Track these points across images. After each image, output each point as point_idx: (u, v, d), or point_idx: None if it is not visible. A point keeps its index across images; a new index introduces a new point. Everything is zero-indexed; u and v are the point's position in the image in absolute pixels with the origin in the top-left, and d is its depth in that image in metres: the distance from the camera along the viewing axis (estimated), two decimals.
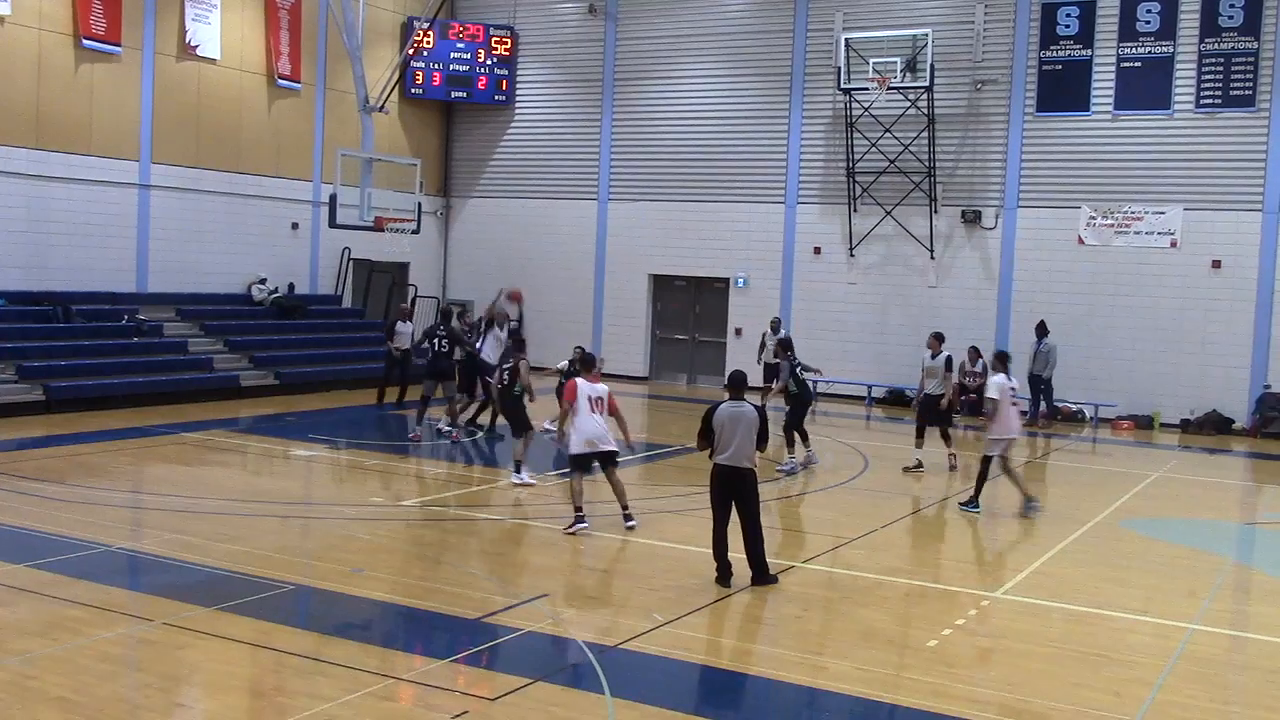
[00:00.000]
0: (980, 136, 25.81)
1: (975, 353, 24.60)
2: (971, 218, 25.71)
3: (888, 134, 26.05)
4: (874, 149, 26.23)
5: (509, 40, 30.46)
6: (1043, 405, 23.67)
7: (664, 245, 29.09)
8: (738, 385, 10.91)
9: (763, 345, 23.53)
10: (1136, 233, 24.32)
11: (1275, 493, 18.31)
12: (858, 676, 8.26)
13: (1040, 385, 23.56)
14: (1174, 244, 24.02)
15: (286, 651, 8.29)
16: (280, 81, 26.59)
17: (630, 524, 12.50)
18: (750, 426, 10.49)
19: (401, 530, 12.52)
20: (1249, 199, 23.41)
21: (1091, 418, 24.39)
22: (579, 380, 12.76)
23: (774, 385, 17.81)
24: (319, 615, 9.47)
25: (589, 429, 12.52)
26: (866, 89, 25.69)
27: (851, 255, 26.96)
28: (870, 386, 26.51)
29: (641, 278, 29.46)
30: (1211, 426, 23.35)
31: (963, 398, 24.63)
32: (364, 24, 24.22)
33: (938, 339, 18.18)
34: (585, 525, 12.34)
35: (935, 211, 25.98)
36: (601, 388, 12.73)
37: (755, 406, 10.67)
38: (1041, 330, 23.70)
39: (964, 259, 26.00)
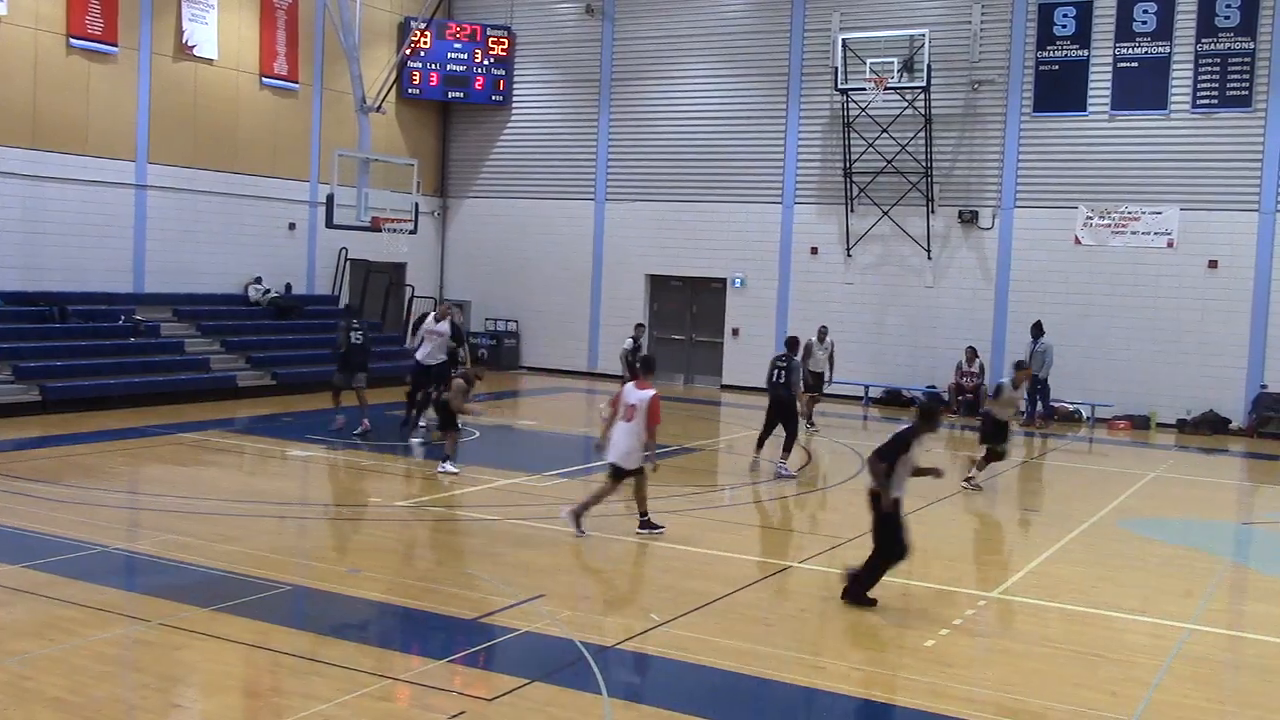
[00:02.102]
0: (977, 136, 25.82)
1: (972, 353, 24.71)
2: (968, 218, 25.73)
3: (885, 134, 26.06)
4: (871, 149, 26.24)
5: (506, 40, 30.46)
6: (1039, 406, 23.68)
7: (661, 245, 29.09)
8: (920, 411, 10.35)
9: (808, 353, 21.66)
10: (1133, 233, 24.35)
11: (1272, 492, 18.33)
12: (855, 676, 8.27)
13: (1037, 385, 23.57)
14: (1171, 244, 24.04)
15: (283, 652, 8.28)
16: (277, 81, 26.59)
17: (641, 530, 12.38)
18: (884, 444, 10.06)
19: (398, 530, 12.51)
20: (1245, 199, 23.43)
21: (1088, 418, 24.42)
22: (626, 386, 12.41)
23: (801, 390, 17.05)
24: (315, 616, 9.46)
25: (611, 437, 12.28)
26: (863, 89, 25.72)
27: (848, 255, 26.97)
28: (867, 387, 26.52)
29: (638, 278, 29.46)
30: (1208, 426, 23.38)
31: (959, 398, 24.76)
32: (361, 24, 24.24)
33: (1024, 371, 16.71)
34: (578, 532, 12.14)
35: (932, 211, 26.00)
36: (643, 394, 12.14)
37: (908, 428, 10.07)
38: (1037, 330, 23.72)
39: (961, 259, 26.01)
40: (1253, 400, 23.25)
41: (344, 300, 28.55)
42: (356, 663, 8.08)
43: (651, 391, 12.13)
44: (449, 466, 15.44)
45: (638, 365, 21.47)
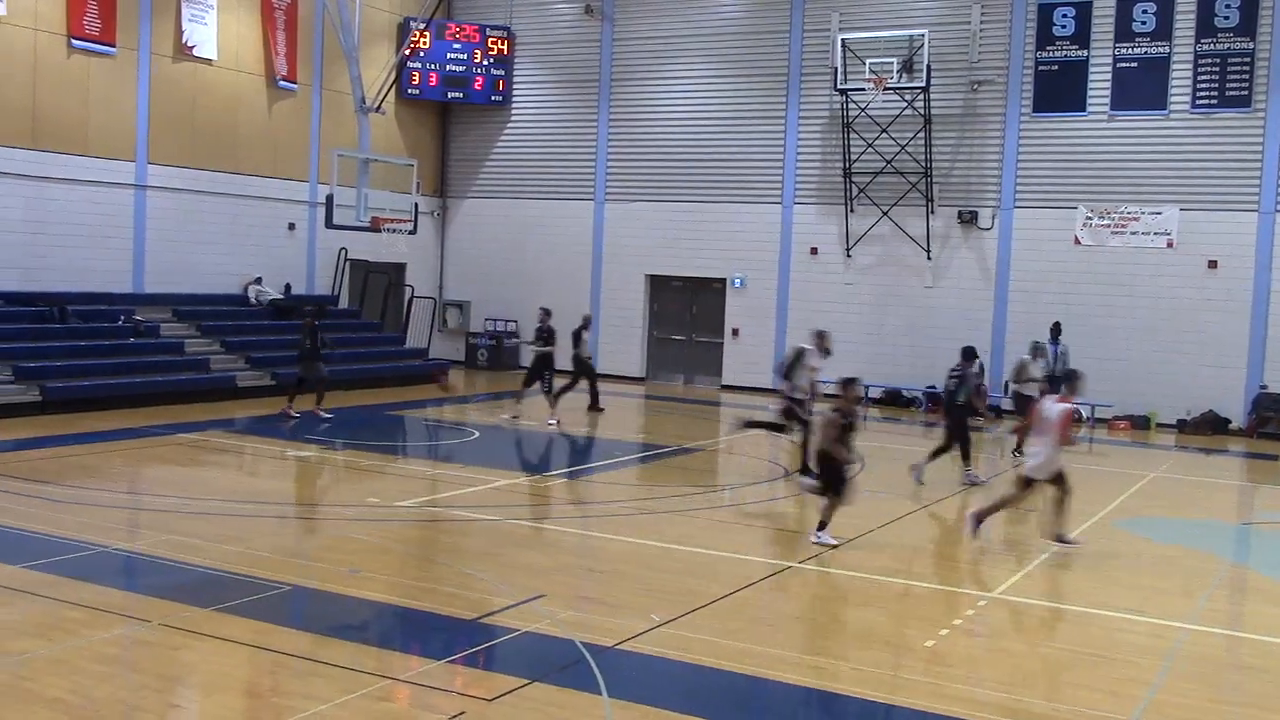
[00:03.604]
0: (976, 137, 25.82)
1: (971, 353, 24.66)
2: (968, 218, 25.73)
3: (884, 134, 26.06)
4: (870, 149, 26.25)
5: (505, 41, 30.46)
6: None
7: (661, 246, 29.09)
8: None
9: (1021, 372, 19.67)
10: (1133, 233, 24.35)
11: (1271, 492, 18.32)
12: (855, 677, 8.27)
13: (1054, 388, 23.30)
14: (1170, 244, 24.05)
15: (283, 652, 8.28)
16: (277, 82, 26.58)
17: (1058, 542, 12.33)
18: None
19: (398, 531, 12.52)
20: (1245, 199, 23.43)
21: (1088, 418, 24.40)
22: (1044, 399, 12.64)
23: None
24: (316, 616, 9.46)
25: (1028, 449, 12.54)
26: (863, 89, 25.72)
27: (848, 256, 26.97)
28: (867, 387, 26.47)
29: (638, 278, 29.46)
30: (1208, 426, 23.38)
31: None
32: (360, 24, 24.21)
33: None
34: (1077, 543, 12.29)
35: (932, 212, 26.00)
36: (1056, 408, 12.21)
37: None
38: (1056, 331, 23.45)
39: (960, 259, 26.01)
40: (1252, 400, 23.25)
41: (344, 301, 28.63)
42: (357, 663, 8.08)
43: (1065, 406, 12.25)
44: (825, 537, 12.34)
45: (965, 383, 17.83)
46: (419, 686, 7.79)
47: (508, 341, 30.62)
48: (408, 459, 17.72)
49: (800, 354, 16.45)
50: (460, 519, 13.02)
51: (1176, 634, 9.64)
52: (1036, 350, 19.91)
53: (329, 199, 22.55)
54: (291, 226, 27.39)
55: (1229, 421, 23.44)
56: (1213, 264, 23.69)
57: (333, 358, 21.42)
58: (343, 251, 28.19)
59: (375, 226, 23.07)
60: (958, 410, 16.30)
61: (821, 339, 16.69)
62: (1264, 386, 23.18)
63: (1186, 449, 21.85)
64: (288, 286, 26.90)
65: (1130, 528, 14.21)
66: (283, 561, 10.79)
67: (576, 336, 22.32)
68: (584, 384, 22.49)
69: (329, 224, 22.90)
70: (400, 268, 30.14)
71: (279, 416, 19.86)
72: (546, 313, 22.22)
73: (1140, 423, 23.88)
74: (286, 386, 20.95)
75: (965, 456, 16.38)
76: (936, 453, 16.31)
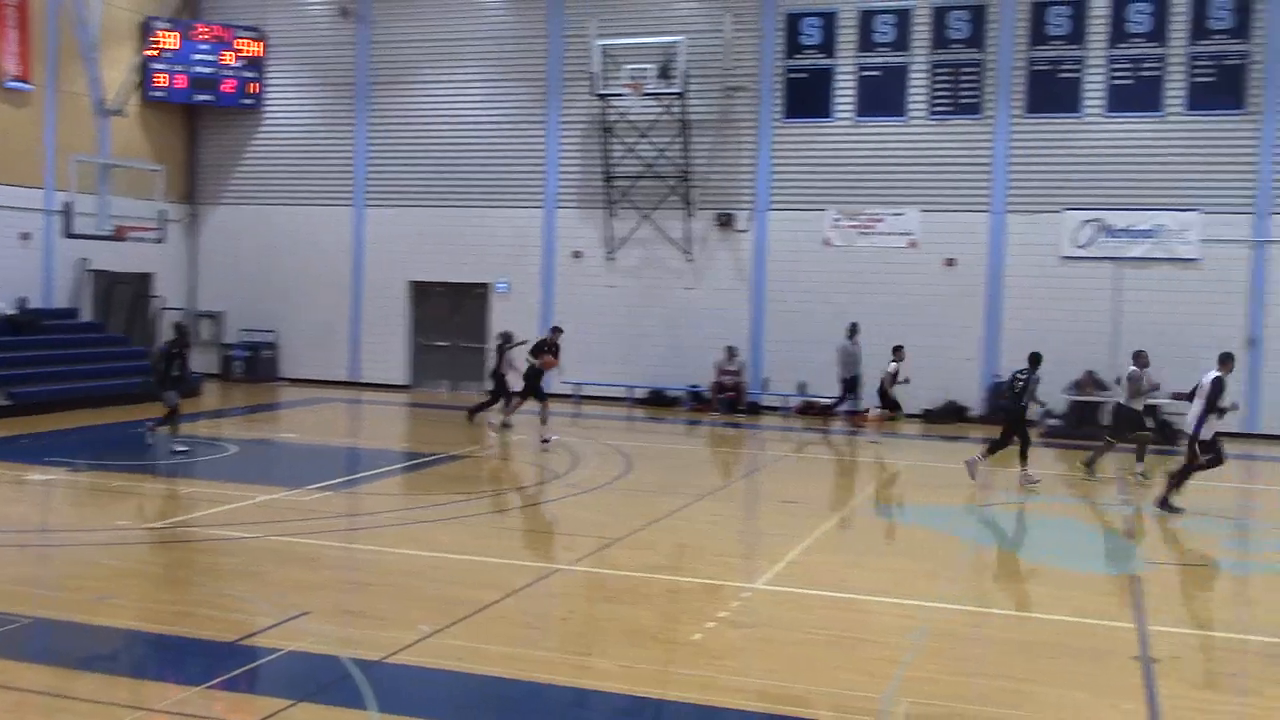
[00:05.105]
0: (732, 142, 26.58)
1: (731, 352, 25.51)
2: (725, 221, 26.47)
3: (644, 139, 26.53)
4: (631, 154, 26.67)
5: (256, 42, 29.49)
6: (848, 403, 24.26)
7: (423, 251, 28.76)
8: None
9: (1134, 387, 17.70)
10: (878, 234, 25.57)
11: (1006, 476, 19.52)
12: (625, 674, 8.39)
13: (854, 384, 24.14)
14: (912, 244, 25.37)
15: (25, 689, 7.79)
16: (5, 82, 24.94)
17: None
18: None
19: (151, 553, 11.96)
20: (978, 201, 24.96)
21: (841, 411, 25.44)
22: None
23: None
24: (62, 648, 8.94)
25: None
26: (622, 95, 26.12)
27: (611, 259, 27.33)
28: (631, 387, 26.92)
29: (400, 284, 29.05)
30: (950, 415, 24.79)
31: (719, 395, 25.48)
32: (100, 22, 23.02)
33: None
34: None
35: (691, 215, 26.63)
36: None
37: None
38: (853, 331, 24.22)
39: (719, 261, 26.73)
40: (988, 389, 24.77)
41: (86, 314, 27.12)
42: (109, 695, 7.70)
43: None
44: None
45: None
46: (176, 715, 7.48)
47: (264, 353, 29.65)
48: (160, 478, 16.92)
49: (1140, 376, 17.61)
50: (217, 537, 12.53)
51: (923, 613, 10.19)
52: (1142, 359, 17.77)
53: (67, 207, 21.38)
54: (25, 236, 25.74)
55: (968, 410, 24.91)
56: (950, 262, 25.13)
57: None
58: (84, 262, 26.69)
59: (119, 235, 22.02)
60: (1013, 411, 17.10)
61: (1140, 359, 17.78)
62: (997, 376, 24.68)
63: (931, 437, 23.08)
64: (23, 300, 25.25)
65: (880, 514, 14.92)
66: (22, 592, 10.15)
67: (500, 351, 21.55)
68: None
69: (68, 233, 21.73)
70: (147, 278, 28.79)
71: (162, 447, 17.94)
72: (557, 330, 21.56)
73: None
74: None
75: (1024, 457, 16.99)
76: (993, 448, 17.22)
